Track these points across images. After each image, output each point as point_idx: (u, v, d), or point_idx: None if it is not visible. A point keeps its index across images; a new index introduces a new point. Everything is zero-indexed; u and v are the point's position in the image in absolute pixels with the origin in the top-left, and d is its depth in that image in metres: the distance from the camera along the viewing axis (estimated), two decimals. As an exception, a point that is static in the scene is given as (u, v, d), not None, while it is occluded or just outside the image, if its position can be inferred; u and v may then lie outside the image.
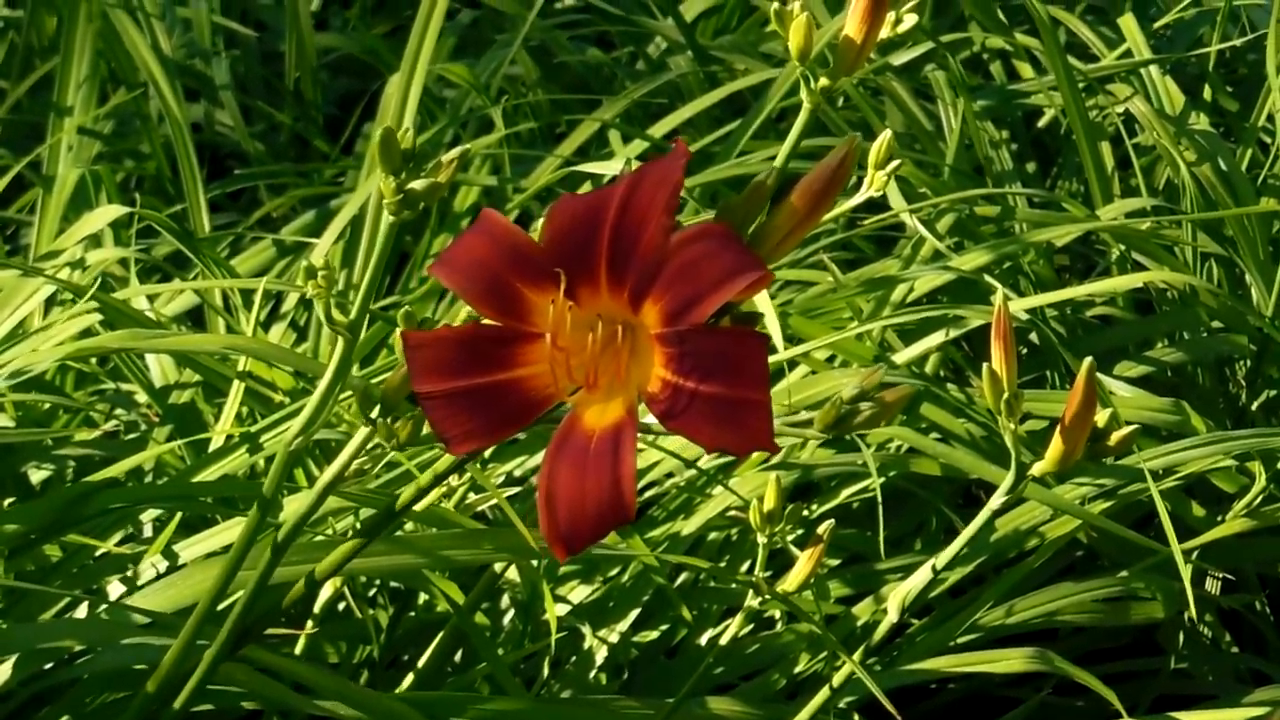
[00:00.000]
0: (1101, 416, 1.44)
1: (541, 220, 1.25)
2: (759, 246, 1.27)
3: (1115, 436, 1.44)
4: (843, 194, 1.33)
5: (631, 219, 1.20)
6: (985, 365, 1.46)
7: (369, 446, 1.40)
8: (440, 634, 2.00)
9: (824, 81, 1.32)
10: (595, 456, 1.19)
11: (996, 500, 1.51)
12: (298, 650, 1.96)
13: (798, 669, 2.10)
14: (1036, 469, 1.48)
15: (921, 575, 1.61)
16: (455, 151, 1.29)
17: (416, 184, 1.30)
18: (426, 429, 1.33)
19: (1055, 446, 1.45)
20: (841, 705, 2.02)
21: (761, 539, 1.70)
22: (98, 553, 1.91)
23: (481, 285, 1.24)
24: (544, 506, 1.20)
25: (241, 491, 1.93)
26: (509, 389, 1.23)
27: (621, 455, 1.18)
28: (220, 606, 1.58)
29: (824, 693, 1.72)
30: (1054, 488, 2.07)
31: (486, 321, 1.25)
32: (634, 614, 2.13)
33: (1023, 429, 1.53)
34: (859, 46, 1.31)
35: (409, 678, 2.00)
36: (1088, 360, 1.42)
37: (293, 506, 1.73)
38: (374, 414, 1.35)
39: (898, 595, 1.60)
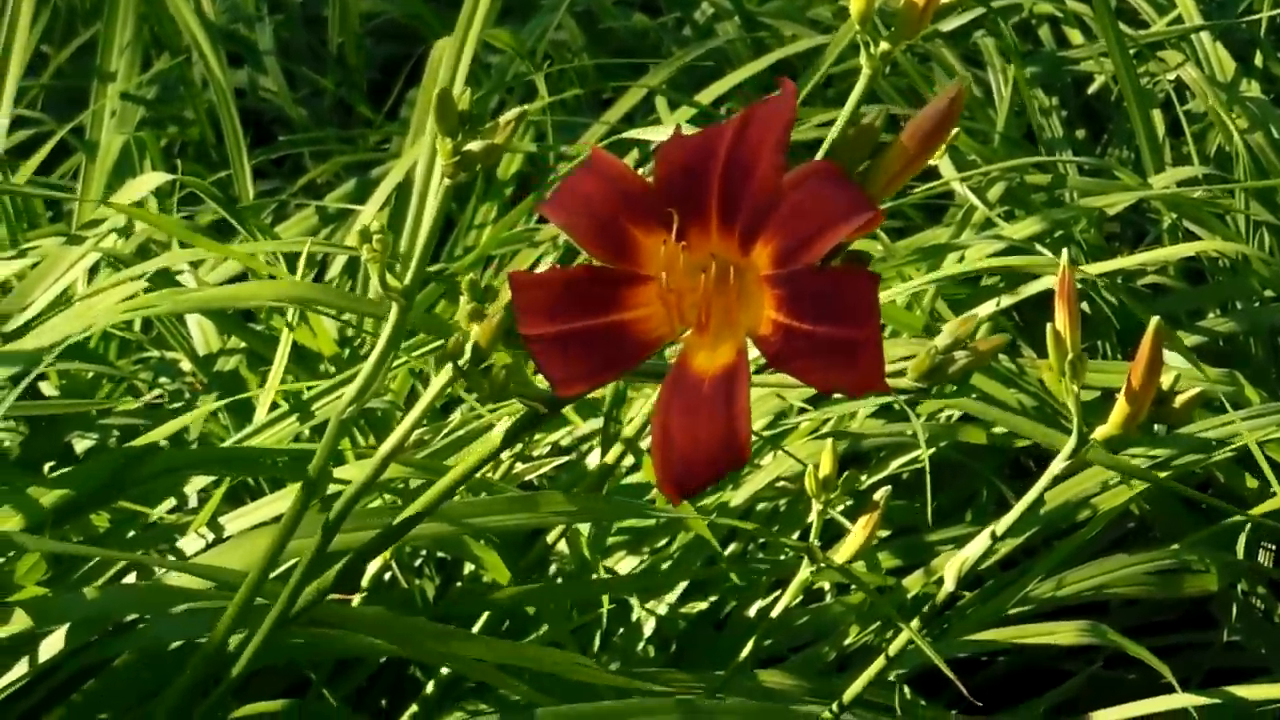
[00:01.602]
0: (1166, 379, 1.42)
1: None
2: (867, 187, 1.25)
3: (1180, 400, 1.43)
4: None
5: (742, 159, 1.18)
6: (1049, 325, 1.44)
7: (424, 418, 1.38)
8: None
9: (885, 46, 1.30)
10: (709, 399, 1.18)
11: (1058, 465, 1.49)
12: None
13: (847, 641, 2.08)
14: (1099, 433, 1.46)
15: (979, 544, 1.59)
16: (513, 113, 1.28)
17: (473, 145, 1.29)
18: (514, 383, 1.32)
19: (1119, 409, 1.43)
20: (890, 677, 2.01)
21: (816, 506, 1.69)
22: (144, 522, 1.90)
23: (591, 225, 1.22)
24: (658, 449, 1.19)
25: (294, 456, 1.91)
26: (617, 331, 1.21)
27: (735, 397, 1.17)
28: (272, 576, 1.56)
29: (879, 662, 1.71)
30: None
31: (595, 263, 1.23)
32: (682, 586, 2.12)
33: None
34: (921, 9, 1.29)
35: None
36: (1155, 320, 1.41)
37: (349, 475, 1.71)
38: (463, 364, 1.32)
39: (954, 565, 1.59)
